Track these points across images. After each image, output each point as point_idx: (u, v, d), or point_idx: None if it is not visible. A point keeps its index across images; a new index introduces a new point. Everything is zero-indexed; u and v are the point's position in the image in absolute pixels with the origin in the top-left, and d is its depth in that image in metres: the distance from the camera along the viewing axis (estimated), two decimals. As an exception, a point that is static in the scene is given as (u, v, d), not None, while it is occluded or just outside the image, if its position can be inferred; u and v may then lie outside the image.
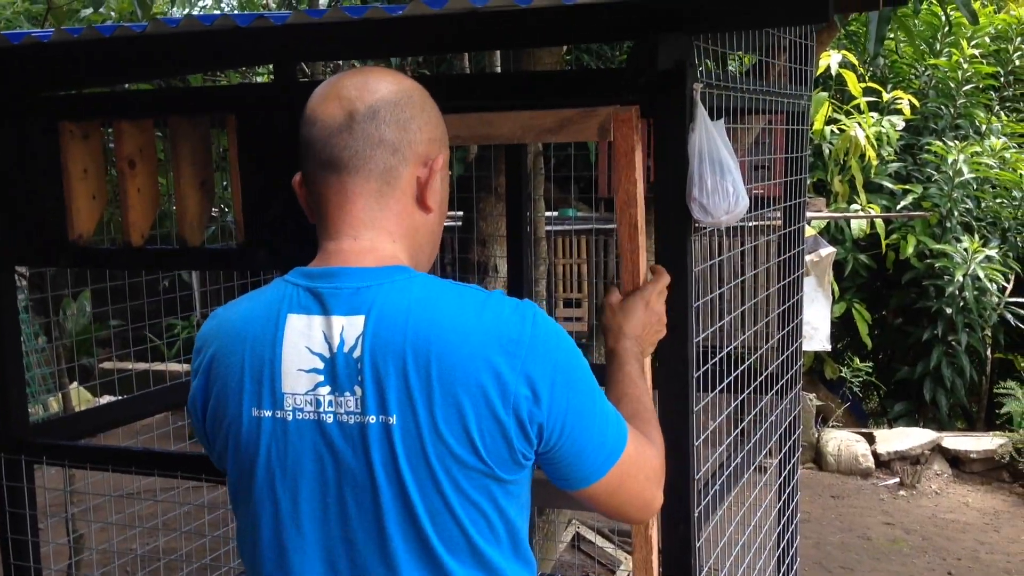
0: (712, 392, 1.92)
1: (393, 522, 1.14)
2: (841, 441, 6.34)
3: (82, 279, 6.05)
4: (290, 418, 1.17)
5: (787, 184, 2.61)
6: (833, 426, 6.72)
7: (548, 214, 6.21)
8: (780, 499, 2.71)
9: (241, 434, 1.20)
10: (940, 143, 7.57)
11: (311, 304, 1.18)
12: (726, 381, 2.07)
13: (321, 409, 1.16)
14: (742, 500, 2.44)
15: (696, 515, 1.75)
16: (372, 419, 1.13)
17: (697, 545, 1.76)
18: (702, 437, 1.82)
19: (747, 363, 2.22)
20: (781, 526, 2.70)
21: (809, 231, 6.85)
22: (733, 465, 2.02)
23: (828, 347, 6.94)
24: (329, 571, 1.18)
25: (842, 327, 7.54)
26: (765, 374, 2.36)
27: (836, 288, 7.40)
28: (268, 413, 1.18)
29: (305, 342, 1.17)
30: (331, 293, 1.17)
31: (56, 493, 3.18)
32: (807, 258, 6.80)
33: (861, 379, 7.01)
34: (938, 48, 8.26)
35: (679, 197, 1.65)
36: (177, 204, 2.03)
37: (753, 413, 2.32)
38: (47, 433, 2.42)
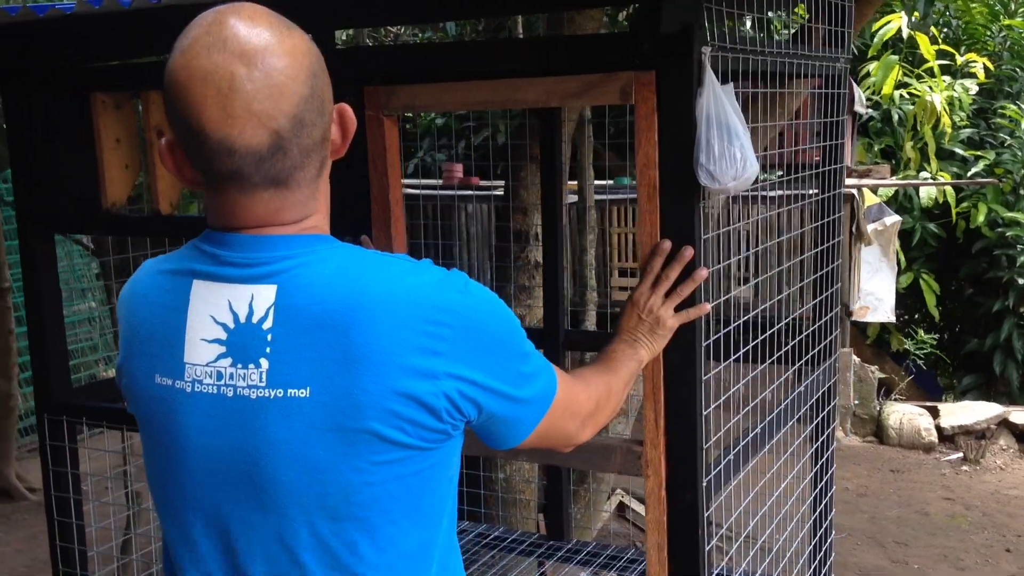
0: (724, 361, 1.90)
1: (294, 501, 1.08)
2: (904, 415, 6.22)
3: (158, 243, 6.22)
4: (189, 389, 1.10)
5: (824, 149, 2.55)
6: (896, 399, 6.59)
7: (603, 182, 6.17)
8: (813, 471, 2.67)
9: (145, 400, 1.15)
10: (1015, 107, 7.31)
11: (217, 272, 1.10)
12: (742, 350, 2.04)
13: (222, 382, 1.09)
14: (766, 471, 2.41)
15: (705, 484, 1.74)
16: (279, 393, 1.06)
17: (706, 513, 1.75)
18: (712, 406, 1.80)
19: (767, 333, 2.19)
20: (814, 498, 2.67)
21: (873, 199, 6.69)
22: (752, 435, 1.99)
23: (892, 318, 6.81)
24: (225, 552, 1.13)
25: (909, 298, 7.38)
26: (792, 344, 2.33)
27: (903, 258, 7.23)
28: (169, 382, 1.11)
29: (210, 310, 1.10)
30: (239, 262, 1.09)
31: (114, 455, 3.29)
32: (871, 227, 6.65)
33: (926, 352, 6.84)
34: (1013, 8, 7.95)
35: (686, 163, 1.63)
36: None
37: (778, 383, 2.29)
38: (94, 395, 2.50)
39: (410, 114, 8.62)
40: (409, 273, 1.10)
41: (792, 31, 2.36)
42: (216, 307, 1.10)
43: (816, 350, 2.52)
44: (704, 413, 1.73)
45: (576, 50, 1.78)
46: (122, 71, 2.27)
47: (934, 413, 6.23)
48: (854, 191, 6.23)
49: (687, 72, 1.60)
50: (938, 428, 6.10)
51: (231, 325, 1.09)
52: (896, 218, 6.71)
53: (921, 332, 6.96)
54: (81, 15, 1.88)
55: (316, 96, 1.08)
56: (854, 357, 6.45)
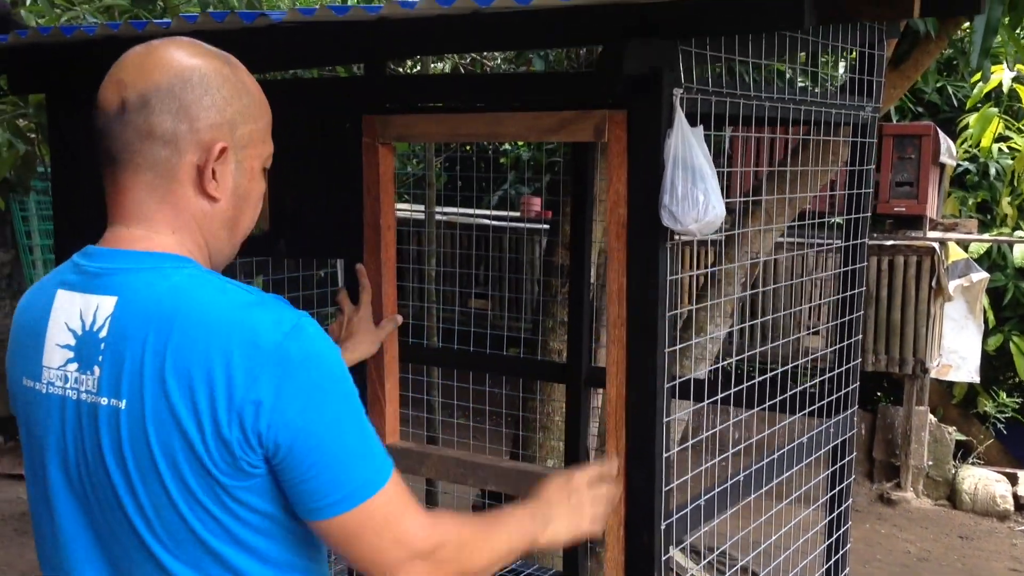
0: (692, 405, 1.88)
1: (130, 510, 1.11)
2: (979, 479, 5.96)
3: (253, 270, 6.45)
4: (44, 391, 1.16)
5: (849, 198, 2.51)
6: (973, 463, 6.31)
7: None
8: (826, 520, 2.60)
9: (16, 401, 1.21)
10: (1120, 166, 6.98)
11: (76, 281, 1.16)
12: (721, 394, 2.02)
13: (68, 385, 1.14)
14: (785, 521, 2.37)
15: (663, 527, 1.72)
16: (104, 401, 1.10)
17: (664, 557, 1.74)
18: (676, 449, 1.79)
19: (761, 378, 2.15)
20: (827, 549, 2.59)
21: (960, 254, 6.46)
22: (733, 481, 1.96)
23: (976, 378, 6.54)
24: (95, 554, 1.16)
25: (997, 360, 7.07)
26: (791, 392, 2.28)
27: (992, 317, 6.95)
28: (31, 384, 1.18)
29: (64, 318, 1.15)
30: (94, 272, 1.15)
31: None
32: (955, 283, 6.43)
33: (1008, 415, 6.55)
34: (1125, 63, 7.61)
35: (653, 203, 1.64)
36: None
37: (771, 431, 2.25)
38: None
39: (499, 146, 8.75)
40: (245, 304, 1.10)
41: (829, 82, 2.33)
42: (70, 315, 1.15)
43: (829, 399, 2.46)
44: (666, 455, 1.72)
45: (552, 87, 1.81)
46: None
47: (1012, 480, 5.95)
48: (935, 244, 6.03)
49: (656, 113, 1.62)
50: (1015, 496, 5.82)
51: (79, 332, 1.14)
52: (983, 275, 6.46)
53: (1003, 394, 6.66)
54: (122, 36, 1.99)
55: (175, 98, 1.13)
56: (931, 416, 6.22)
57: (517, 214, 7.31)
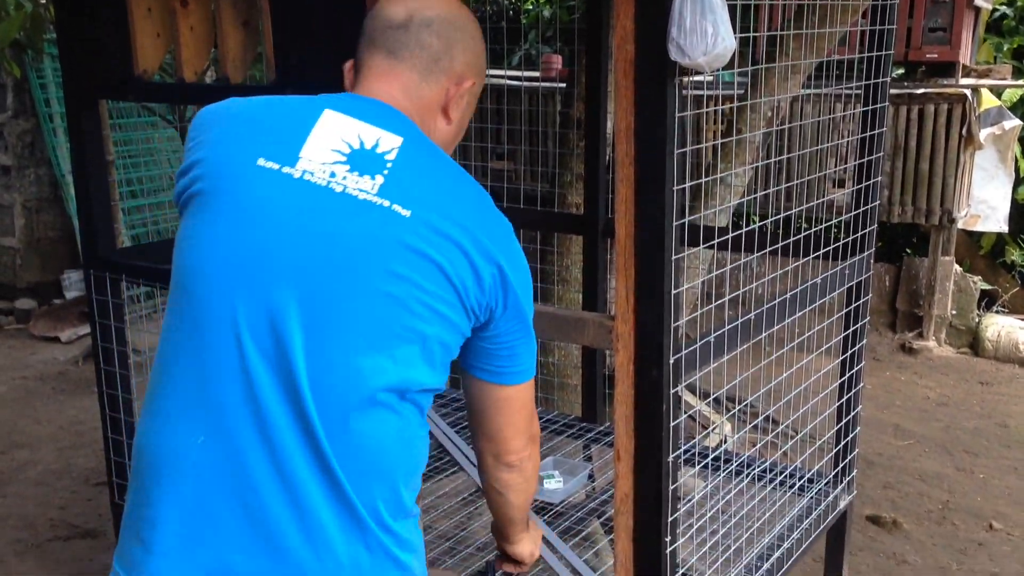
0: (696, 248, 1.88)
1: (371, 288, 1.24)
2: (1003, 327, 5.97)
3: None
4: (297, 176, 1.27)
5: (871, 35, 2.44)
6: (998, 311, 6.32)
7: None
8: (839, 359, 2.63)
9: (229, 178, 1.28)
10: None
11: (355, 110, 1.33)
12: (714, 241, 2.01)
13: (334, 179, 1.27)
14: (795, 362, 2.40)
15: (672, 361, 1.75)
16: (386, 203, 1.26)
17: (672, 391, 1.77)
18: (684, 287, 1.80)
19: (757, 224, 2.14)
20: (840, 387, 2.64)
21: (993, 101, 6.29)
22: (744, 320, 1.98)
23: (1005, 228, 6.48)
24: (293, 297, 1.25)
25: (1029, 210, 6.98)
26: (804, 234, 2.28)
27: (1024, 166, 6.83)
28: (275, 166, 1.28)
29: (339, 132, 1.30)
30: (375, 112, 1.34)
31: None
32: (986, 131, 6.29)
33: (1034, 264, 6.51)
34: None
35: (658, 38, 1.60)
36: (220, 43, 2.15)
37: (783, 271, 2.26)
38: (138, 256, 2.67)
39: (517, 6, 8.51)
40: (480, 190, 1.36)
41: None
42: (345, 132, 1.31)
43: (844, 241, 2.46)
44: (674, 293, 1.74)
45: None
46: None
47: (1036, 328, 5.96)
48: (967, 91, 5.87)
49: (662, -60, 1.56)
50: (1038, 343, 5.84)
51: (355, 147, 1.30)
52: (1016, 122, 6.30)
53: (1028, 243, 6.60)
54: None
55: (449, 31, 1.40)
56: (956, 266, 6.19)
57: (537, 74, 7.17)
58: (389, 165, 1.28)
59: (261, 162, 1.28)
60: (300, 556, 1.24)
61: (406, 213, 1.26)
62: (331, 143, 1.29)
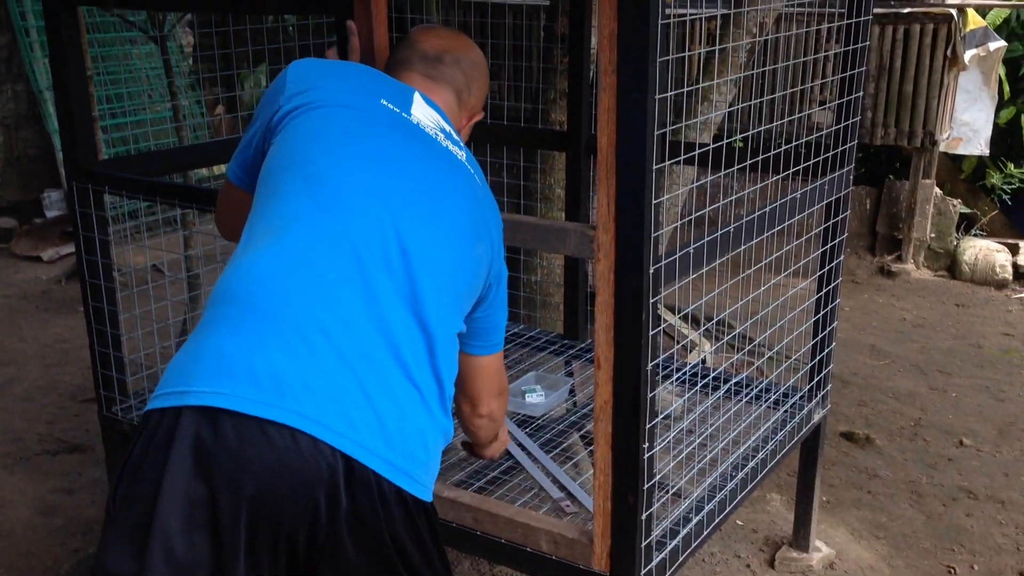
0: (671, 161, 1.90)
1: (458, 243, 1.58)
2: (980, 250, 6.04)
3: (259, 57, 6.36)
4: (414, 122, 1.60)
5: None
6: (976, 235, 6.38)
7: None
8: (816, 276, 2.67)
9: (351, 108, 1.55)
10: None
11: (431, 105, 1.68)
12: (694, 154, 2.02)
13: (438, 139, 1.62)
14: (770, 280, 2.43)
15: (652, 271, 1.78)
16: (471, 171, 1.66)
17: (650, 302, 1.80)
18: (665, 197, 1.82)
19: (728, 140, 2.16)
20: (816, 302, 2.68)
21: (979, 21, 6.26)
22: (721, 232, 2.01)
23: (986, 151, 6.50)
24: (417, 217, 1.52)
25: (1010, 134, 6.99)
26: (783, 149, 2.29)
27: (1008, 89, 6.82)
28: (397, 109, 1.59)
29: (427, 113, 1.65)
30: (441, 113, 1.70)
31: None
32: (970, 52, 6.27)
33: (1015, 187, 6.55)
34: None
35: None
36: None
37: (755, 188, 2.27)
38: (121, 168, 2.65)
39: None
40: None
41: None
42: (431, 115, 1.66)
43: (824, 156, 2.47)
44: (654, 203, 1.76)
45: None
46: None
47: (1013, 250, 6.02)
48: (952, 11, 5.84)
49: None
50: (1015, 266, 5.91)
51: (443, 127, 1.67)
52: (1001, 43, 6.28)
53: (1011, 165, 6.63)
54: None
55: (470, 68, 1.79)
56: (936, 190, 6.23)
57: (522, -11, 7.06)
58: (453, 138, 1.67)
59: (383, 102, 1.58)
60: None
61: (478, 181, 1.67)
62: (427, 115, 1.63)
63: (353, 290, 1.38)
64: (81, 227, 2.52)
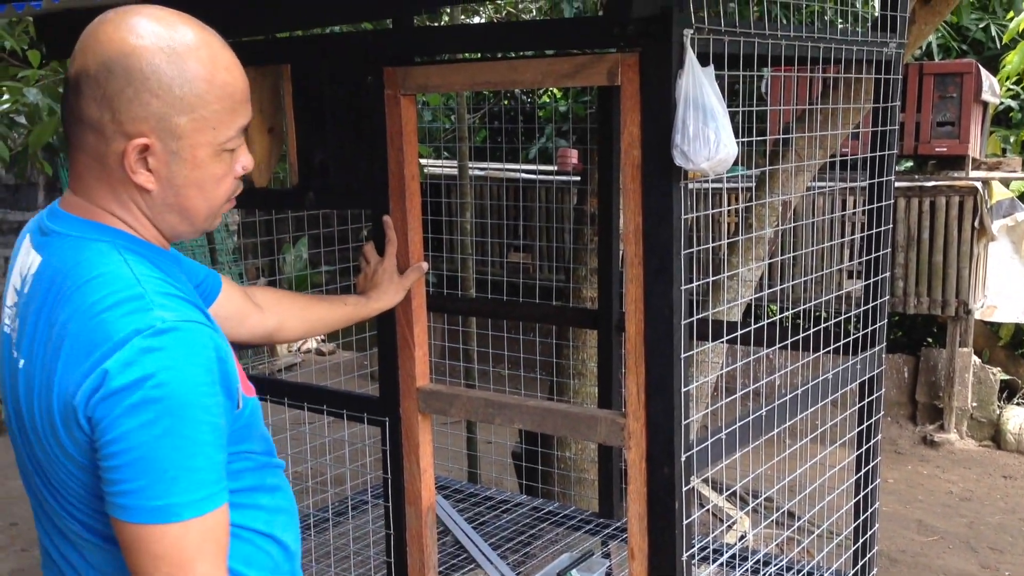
0: (707, 343, 1.92)
1: (34, 461, 1.19)
2: (1024, 419, 5.93)
3: (300, 227, 6.58)
4: (7, 330, 1.21)
5: (874, 135, 2.50)
6: (1018, 403, 6.27)
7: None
8: (854, 455, 2.63)
9: None
10: None
11: (36, 234, 1.22)
12: (724, 337, 2.05)
13: (8, 327, 1.21)
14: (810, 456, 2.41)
15: (684, 458, 1.77)
16: (15, 355, 1.17)
17: (684, 488, 1.79)
18: (694, 384, 1.83)
19: (766, 320, 2.18)
20: (856, 483, 2.62)
21: (1005, 193, 6.37)
22: (754, 416, 2.00)
23: (1023, 319, 6.48)
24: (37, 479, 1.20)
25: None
26: (815, 330, 2.31)
27: (1039, 257, 6.85)
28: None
29: (20, 265, 1.21)
30: (45, 230, 1.20)
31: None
32: (999, 222, 6.35)
33: (1053, 354, 6.48)
34: None
35: (665, 144, 1.66)
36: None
37: (794, 367, 2.28)
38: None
39: (538, 99, 8.72)
40: (117, 300, 1.09)
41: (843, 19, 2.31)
42: (23, 264, 1.21)
43: (855, 336, 2.48)
44: (684, 390, 1.76)
45: (566, 32, 1.84)
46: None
47: (1059, 420, 5.91)
48: (978, 184, 5.94)
49: (667, 54, 1.64)
50: (1061, 436, 5.79)
51: (18, 285, 1.20)
52: (1029, 213, 6.37)
53: (1047, 333, 6.58)
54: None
55: (100, 86, 1.11)
56: (974, 358, 6.18)
57: (554, 168, 7.32)
58: (23, 302, 1.17)
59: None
60: None
61: (23, 364, 1.15)
62: (16, 281, 1.21)
63: None
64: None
